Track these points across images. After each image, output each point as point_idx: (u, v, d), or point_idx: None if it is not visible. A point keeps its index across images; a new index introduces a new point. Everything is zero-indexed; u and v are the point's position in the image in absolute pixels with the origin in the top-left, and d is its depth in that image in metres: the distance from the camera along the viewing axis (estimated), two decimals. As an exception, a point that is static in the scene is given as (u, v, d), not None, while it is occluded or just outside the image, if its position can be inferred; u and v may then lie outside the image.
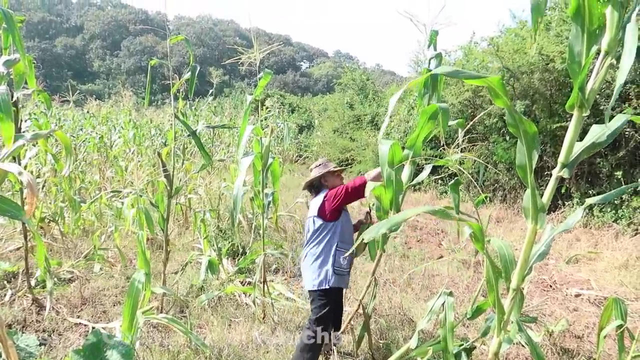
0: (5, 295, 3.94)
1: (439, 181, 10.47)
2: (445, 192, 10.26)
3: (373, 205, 2.97)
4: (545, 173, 7.59)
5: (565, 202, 7.33)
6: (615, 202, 6.56)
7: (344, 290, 3.25)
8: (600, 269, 5.37)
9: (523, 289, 1.71)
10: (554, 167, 1.56)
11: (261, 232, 3.77)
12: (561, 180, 1.58)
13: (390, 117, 11.36)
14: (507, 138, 8.46)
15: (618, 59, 1.35)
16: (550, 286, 5.01)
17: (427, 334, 3.55)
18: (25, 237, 3.74)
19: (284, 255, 4.51)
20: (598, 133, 1.51)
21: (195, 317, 3.79)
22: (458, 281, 5.02)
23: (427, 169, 2.74)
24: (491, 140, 8.81)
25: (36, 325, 3.54)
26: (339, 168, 3.17)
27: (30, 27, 74.72)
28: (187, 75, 3.40)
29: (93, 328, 3.43)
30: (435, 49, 2.80)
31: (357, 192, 2.88)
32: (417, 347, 2.33)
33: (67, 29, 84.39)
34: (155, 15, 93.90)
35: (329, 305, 2.91)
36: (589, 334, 3.78)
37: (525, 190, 1.56)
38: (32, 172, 5.75)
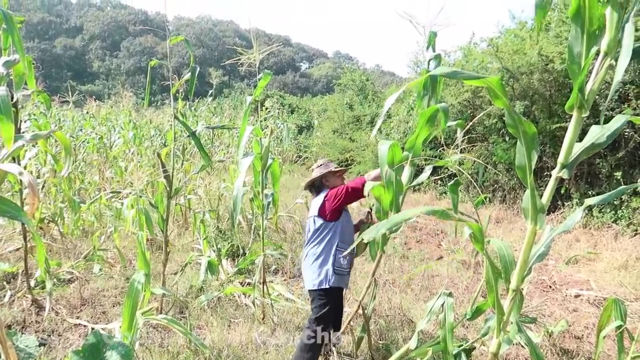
0: (4, 296, 3.94)
1: (439, 182, 10.48)
2: (445, 193, 10.26)
3: (373, 205, 2.97)
4: (545, 174, 7.59)
5: (565, 203, 7.34)
6: (615, 202, 6.56)
7: (344, 291, 3.26)
8: (600, 269, 5.37)
9: (522, 289, 1.71)
10: (554, 168, 1.56)
11: (261, 232, 3.77)
12: (561, 180, 1.58)
13: (390, 117, 11.37)
14: (507, 139, 8.46)
15: (618, 60, 1.35)
16: (550, 287, 5.01)
17: (427, 334, 3.55)
18: (25, 238, 3.74)
19: (283, 256, 4.51)
20: (597, 134, 1.51)
21: (195, 318, 3.79)
22: (457, 282, 5.02)
23: (427, 170, 2.74)
24: (491, 140, 8.81)
25: (36, 326, 3.54)
26: (340, 168, 3.18)
27: (30, 28, 74.74)
28: (186, 76, 3.40)
29: (92, 329, 3.43)
30: (434, 50, 2.80)
31: (357, 192, 2.89)
32: (416, 348, 2.33)
33: (66, 29, 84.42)
34: (155, 16, 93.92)
35: (328, 304, 2.91)
36: (589, 335, 3.78)
37: (524, 191, 1.56)
38: (31, 173, 5.75)
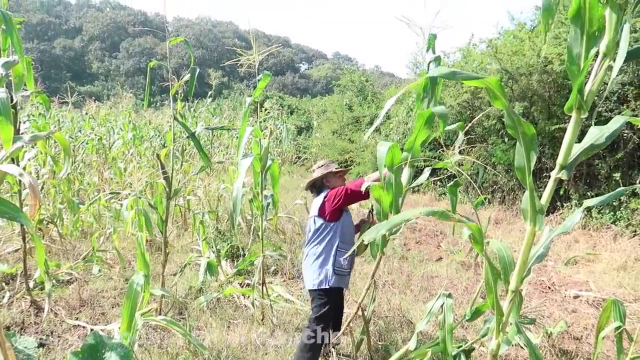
0: (3, 297, 3.93)
1: (438, 183, 10.47)
2: (444, 194, 10.25)
3: (372, 205, 2.98)
4: (544, 175, 7.60)
5: (564, 204, 7.34)
6: (614, 203, 6.57)
7: (344, 291, 3.26)
8: (599, 270, 5.37)
9: (522, 290, 1.71)
10: (553, 169, 1.56)
11: (260, 233, 3.76)
12: (560, 181, 1.58)
13: (389, 118, 11.36)
14: (506, 140, 8.46)
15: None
16: (549, 288, 5.02)
17: (426, 335, 3.55)
18: (24, 239, 3.73)
19: (282, 257, 4.51)
20: (596, 135, 1.51)
21: (194, 319, 3.79)
22: (457, 283, 5.02)
23: (426, 171, 2.74)
24: (490, 141, 8.82)
25: (35, 327, 3.54)
26: (341, 169, 3.18)
27: (29, 29, 74.66)
28: (186, 77, 3.40)
29: (92, 330, 3.42)
30: (434, 53, 2.81)
31: (356, 193, 2.90)
32: (416, 349, 2.33)
33: (65, 30, 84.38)
34: (155, 17, 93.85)
35: (328, 304, 2.91)
36: (588, 336, 3.78)
37: (523, 192, 1.56)
38: (30, 174, 5.74)
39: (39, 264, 3.01)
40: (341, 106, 17.66)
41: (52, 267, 4.45)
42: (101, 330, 3.33)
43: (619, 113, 6.35)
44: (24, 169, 4.73)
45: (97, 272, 4.70)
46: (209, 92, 10.96)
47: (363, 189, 2.70)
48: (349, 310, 3.64)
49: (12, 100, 2.99)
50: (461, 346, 2.25)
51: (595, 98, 1.52)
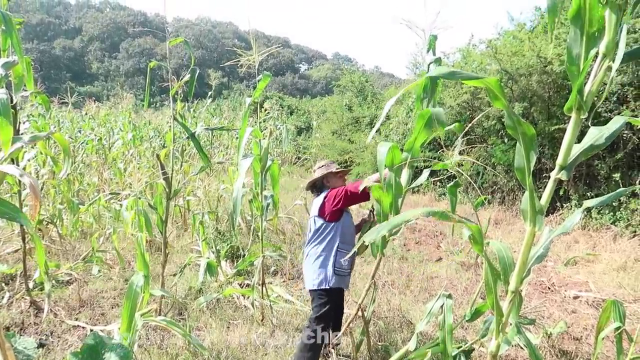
0: (3, 297, 3.93)
1: (438, 183, 10.48)
2: (444, 194, 10.25)
3: (372, 205, 2.98)
4: (544, 175, 7.60)
5: (564, 204, 7.34)
6: (614, 204, 6.57)
7: (345, 291, 3.26)
8: (599, 271, 5.37)
9: (521, 291, 1.71)
10: (552, 169, 1.56)
11: (260, 234, 3.76)
12: (559, 182, 1.59)
13: (389, 118, 11.37)
14: (506, 140, 8.47)
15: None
16: (549, 288, 5.02)
17: (426, 336, 3.55)
18: (24, 239, 3.73)
19: (282, 257, 4.51)
20: (596, 135, 1.51)
21: (194, 320, 3.78)
22: (457, 283, 5.02)
23: (425, 172, 2.74)
24: (490, 142, 8.82)
25: (34, 328, 3.54)
26: (341, 169, 3.18)
27: (29, 29, 74.68)
28: (186, 78, 3.41)
29: (91, 330, 3.42)
30: (434, 54, 2.80)
31: (357, 195, 2.89)
32: (415, 350, 2.33)
33: (65, 30, 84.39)
34: (154, 17, 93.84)
35: (329, 304, 2.92)
36: (588, 336, 3.78)
37: (523, 193, 1.56)
38: (30, 174, 5.74)
39: (39, 264, 3.01)
40: (341, 107, 17.67)
41: (52, 268, 4.45)
42: (101, 330, 3.32)
43: (619, 114, 6.36)
44: (24, 169, 4.73)
45: (97, 273, 4.70)
46: (209, 93, 10.95)
47: (361, 188, 2.70)
48: (349, 311, 3.64)
49: (12, 101, 2.99)
50: (461, 347, 2.25)
51: (595, 98, 1.52)
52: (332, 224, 2.97)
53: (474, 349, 2.35)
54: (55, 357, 3.11)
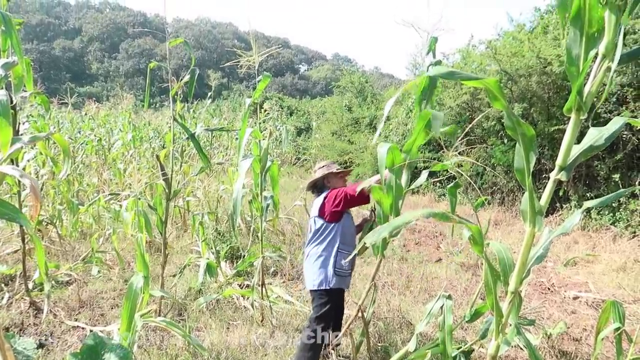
0: (2, 298, 3.93)
1: (437, 184, 10.48)
2: (444, 195, 10.26)
3: (373, 205, 2.97)
4: (543, 176, 7.61)
5: (563, 205, 7.35)
6: (613, 204, 6.57)
7: (345, 292, 3.25)
8: (598, 271, 5.38)
9: (521, 291, 1.71)
10: (552, 170, 1.56)
11: (259, 235, 3.76)
12: (559, 183, 1.59)
13: (389, 119, 11.37)
14: (505, 141, 8.48)
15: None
16: (549, 289, 5.02)
17: (426, 336, 3.55)
18: (23, 240, 3.73)
19: (282, 258, 4.50)
20: (596, 136, 1.51)
21: (194, 320, 3.78)
22: (456, 284, 5.02)
23: (424, 174, 2.74)
24: (489, 143, 8.83)
25: (34, 328, 3.53)
26: (342, 170, 3.18)
27: (29, 30, 74.73)
28: (186, 78, 3.40)
29: (91, 331, 3.42)
30: (434, 56, 2.80)
31: (357, 197, 2.89)
32: (415, 350, 2.33)
33: (65, 31, 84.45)
34: (154, 18, 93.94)
35: (329, 304, 2.91)
36: (587, 337, 3.78)
37: (523, 193, 1.56)
38: (30, 175, 5.74)
39: (39, 265, 3.01)
40: (340, 107, 17.69)
41: (52, 268, 4.44)
42: (100, 331, 3.32)
43: (618, 114, 6.36)
44: (24, 170, 4.73)
45: (97, 273, 4.69)
46: (209, 93, 10.94)
47: (359, 189, 2.70)
48: (349, 312, 3.64)
49: (11, 101, 2.99)
50: (461, 347, 2.26)
51: (595, 99, 1.52)
52: (333, 224, 2.97)
53: (473, 350, 2.35)
54: (55, 358, 3.10)
